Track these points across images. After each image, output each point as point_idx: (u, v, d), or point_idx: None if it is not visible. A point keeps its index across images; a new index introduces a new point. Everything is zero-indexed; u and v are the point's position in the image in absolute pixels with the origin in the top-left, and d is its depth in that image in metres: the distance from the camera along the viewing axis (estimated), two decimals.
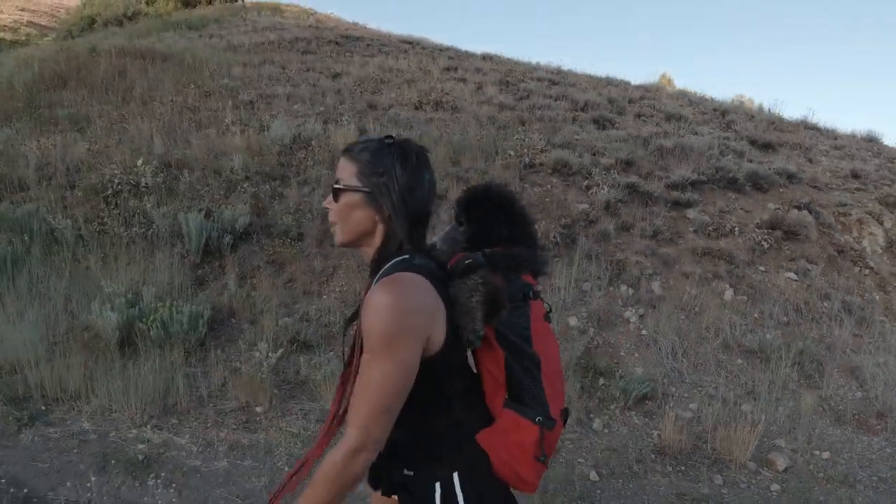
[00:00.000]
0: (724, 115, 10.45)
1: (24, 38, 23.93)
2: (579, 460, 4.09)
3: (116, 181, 6.01)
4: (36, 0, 27.27)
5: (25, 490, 3.07)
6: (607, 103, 9.66)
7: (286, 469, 3.45)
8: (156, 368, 4.01)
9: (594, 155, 7.44)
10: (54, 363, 4.03)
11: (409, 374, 1.24)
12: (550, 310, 1.51)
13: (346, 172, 1.37)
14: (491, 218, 1.52)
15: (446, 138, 7.19)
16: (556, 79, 11.56)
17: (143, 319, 4.27)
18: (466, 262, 1.34)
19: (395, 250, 1.35)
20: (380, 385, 1.22)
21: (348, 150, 1.39)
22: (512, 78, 11.09)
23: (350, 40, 13.68)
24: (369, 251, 1.40)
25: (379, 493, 1.50)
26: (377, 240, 1.37)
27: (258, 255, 5.38)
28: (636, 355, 5.18)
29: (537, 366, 1.38)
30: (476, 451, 1.37)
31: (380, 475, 1.46)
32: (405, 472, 1.40)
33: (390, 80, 10.01)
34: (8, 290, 4.85)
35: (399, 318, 1.20)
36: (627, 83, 12.63)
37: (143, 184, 6.07)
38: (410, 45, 14.03)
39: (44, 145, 7.33)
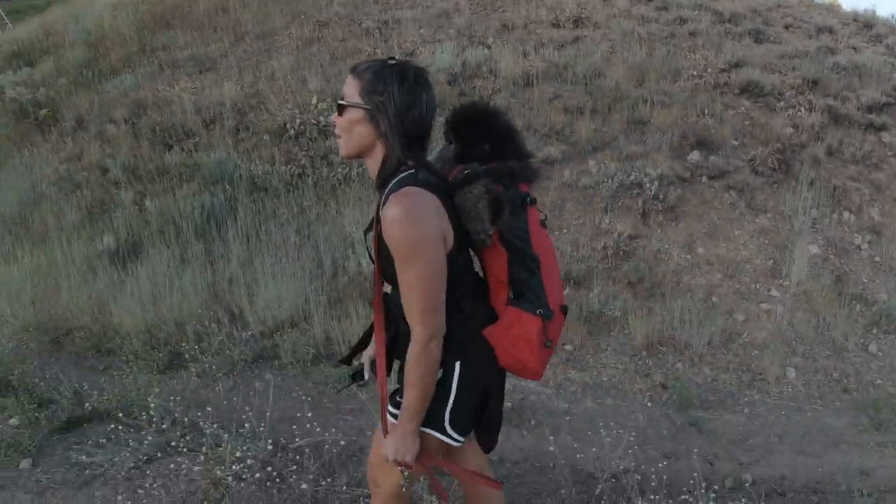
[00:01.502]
0: (868, 27, 9.66)
1: None
2: (878, 381, 4.01)
3: (298, 121, 5.63)
4: None
5: None
6: (753, 14, 8.93)
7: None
8: None
9: (773, 73, 6.89)
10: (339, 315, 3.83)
11: (440, 268, 1.40)
12: (546, 217, 1.64)
13: (351, 90, 1.45)
14: (475, 135, 1.59)
15: (622, 58, 6.65)
16: None
17: None
18: (465, 172, 1.46)
19: (395, 166, 1.44)
20: (419, 285, 1.38)
21: (355, 69, 1.46)
22: None
23: None
24: (371, 164, 1.50)
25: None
26: (378, 154, 1.47)
27: None
28: (876, 282, 4.97)
29: (537, 265, 1.50)
30: (481, 345, 1.54)
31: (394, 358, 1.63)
32: None
33: None
34: (244, 242, 4.61)
35: (415, 225, 1.35)
36: None
37: (321, 122, 5.69)
38: None
39: (184, 89, 6.91)
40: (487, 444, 1.71)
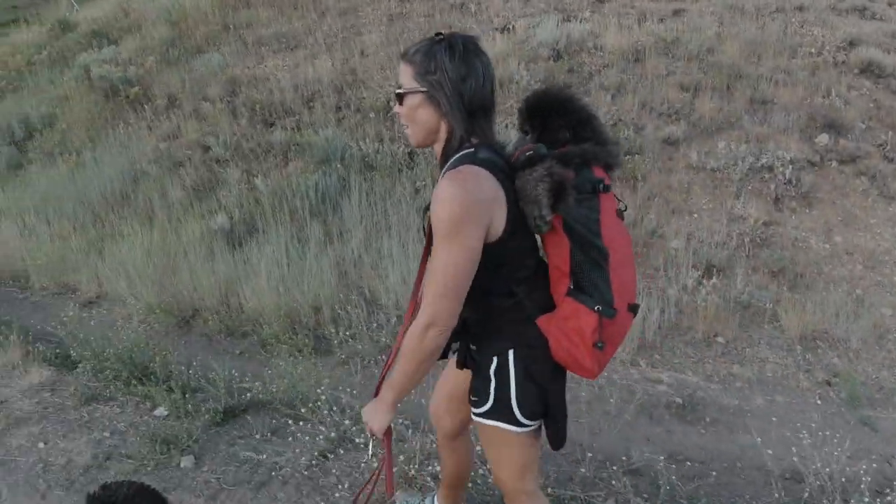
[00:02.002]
0: None
1: None
2: None
3: None
4: None
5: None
6: None
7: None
8: None
9: (889, 53, 6.42)
10: None
11: (472, 257, 1.32)
12: (626, 208, 1.52)
13: (405, 76, 1.40)
14: (551, 122, 1.50)
15: (731, 33, 6.27)
16: None
17: None
18: (528, 154, 1.37)
19: (458, 144, 1.39)
20: (446, 267, 1.31)
21: (405, 55, 1.41)
22: None
23: None
24: (439, 147, 1.44)
25: (455, 365, 1.68)
26: (443, 135, 1.41)
27: None
28: None
29: (605, 258, 1.40)
30: (534, 334, 1.46)
31: (452, 348, 1.58)
32: (471, 346, 1.56)
33: None
34: (360, 222, 4.47)
35: (461, 206, 1.27)
36: None
37: None
38: None
39: (276, 66, 6.80)
40: (555, 440, 1.57)
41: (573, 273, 1.41)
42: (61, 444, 2.93)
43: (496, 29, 6.93)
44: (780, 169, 4.82)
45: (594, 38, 6.19)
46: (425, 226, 1.44)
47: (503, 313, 1.46)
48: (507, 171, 1.38)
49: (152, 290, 4.36)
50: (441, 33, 1.39)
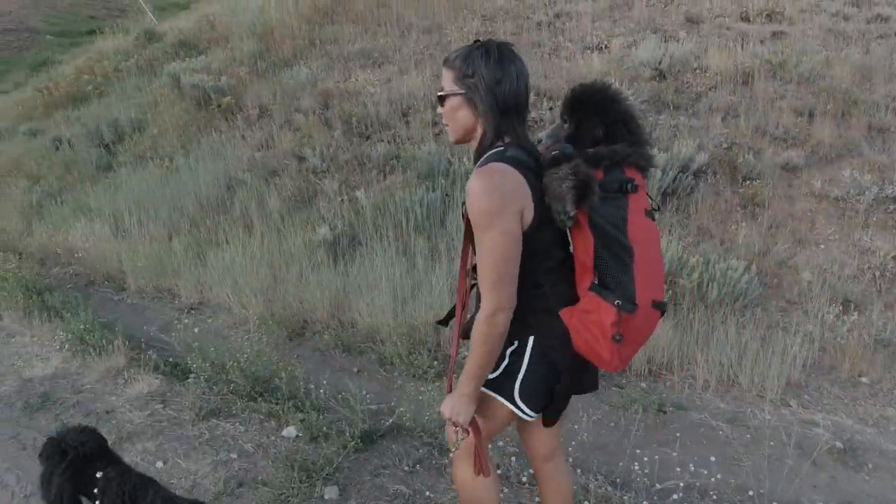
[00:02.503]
0: None
1: None
2: None
3: None
4: None
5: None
6: None
7: None
8: (729, 336, 3.39)
9: None
10: None
11: (514, 241, 1.42)
12: (658, 208, 1.56)
13: (447, 80, 1.53)
14: (590, 117, 1.52)
15: (841, 58, 6.02)
16: None
17: (688, 275, 3.64)
18: (554, 153, 1.44)
19: (491, 143, 1.50)
20: (492, 254, 1.41)
21: (447, 60, 1.53)
22: None
23: None
24: (475, 145, 1.55)
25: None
26: (479, 134, 1.52)
27: (722, 195, 4.61)
28: None
29: (630, 255, 1.44)
30: (557, 324, 1.53)
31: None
32: None
33: None
34: None
35: (491, 197, 1.39)
36: None
37: (536, 118, 5.42)
38: None
39: (366, 81, 6.84)
40: (548, 419, 1.66)
41: (597, 268, 1.46)
42: (183, 465, 2.81)
43: (589, 48, 6.83)
44: None
45: (697, 59, 6.02)
46: (462, 213, 1.54)
47: (529, 302, 1.50)
48: (534, 168, 1.46)
49: (260, 299, 4.34)
50: (479, 40, 1.51)
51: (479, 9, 8.38)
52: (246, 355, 3.41)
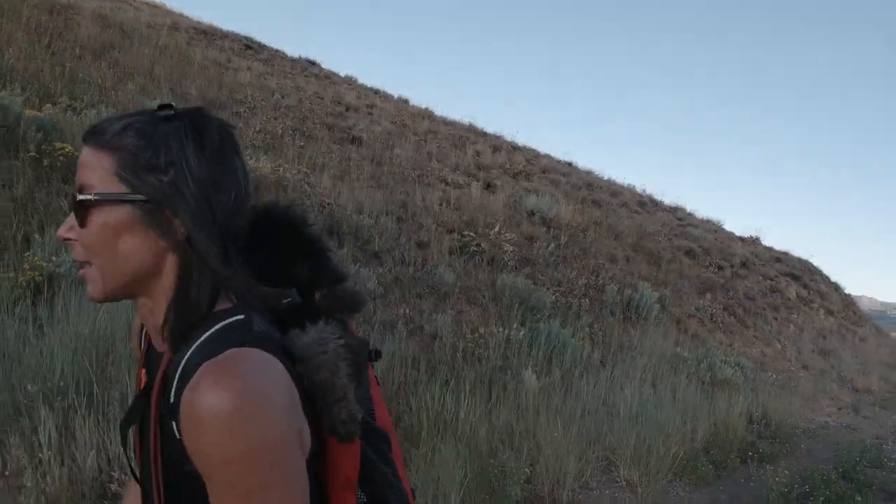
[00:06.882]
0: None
1: None
2: None
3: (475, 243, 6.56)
4: None
5: None
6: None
7: None
8: None
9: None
10: None
11: (303, 494, 0.71)
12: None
13: (98, 173, 0.75)
14: (286, 248, 0.90)
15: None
16: None
17: None
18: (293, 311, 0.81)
19: (209, 301, 0.75)
20: None
21: (93, 133, 0.76)
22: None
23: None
24: (153, 306, 0.79)
25: None
26: (167, 283, 0.77)
27: None
28: None
29: (388, 444, 0.94)
30: None
31: None
32: None
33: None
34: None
35: (261, 425, 0.66)
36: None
37: (507, 250, 6.85)
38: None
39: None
40: None
41: (366, 480, 0.88)
42: None
43: None
44: None
45: None
46: (132, 458, 0.88)
47: None
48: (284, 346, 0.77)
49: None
50: (169, 105, 0.78)
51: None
52: None
